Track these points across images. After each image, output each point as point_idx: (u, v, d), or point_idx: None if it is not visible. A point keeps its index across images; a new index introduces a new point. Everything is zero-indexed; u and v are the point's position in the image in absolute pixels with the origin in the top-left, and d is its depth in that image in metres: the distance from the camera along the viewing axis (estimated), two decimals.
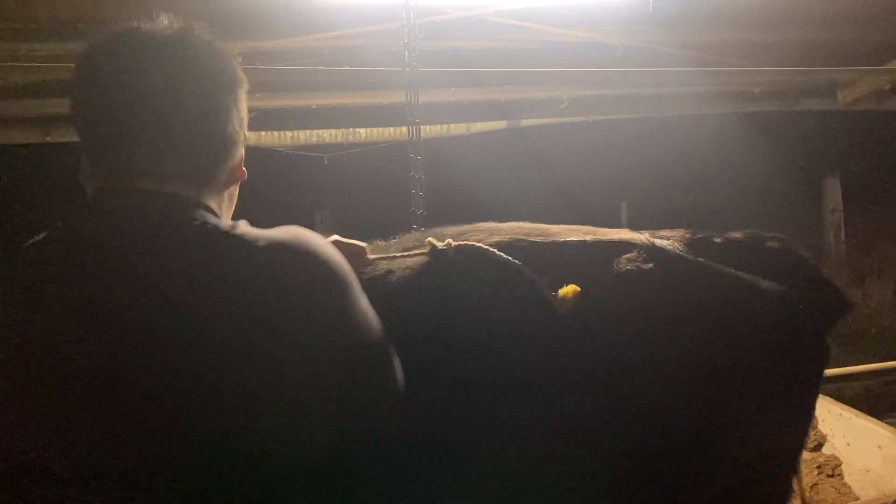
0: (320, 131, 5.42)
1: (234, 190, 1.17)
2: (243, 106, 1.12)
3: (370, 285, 1.27)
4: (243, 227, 1.03)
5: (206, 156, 1.07)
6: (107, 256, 0.96)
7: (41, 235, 1.03)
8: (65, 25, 3.92)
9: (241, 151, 1.14)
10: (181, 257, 0.97)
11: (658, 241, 1.42)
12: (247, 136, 1.16)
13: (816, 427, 3.46)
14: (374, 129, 5.53)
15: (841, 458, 3.42)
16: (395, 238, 1.59)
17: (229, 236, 1.00)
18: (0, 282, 0.99)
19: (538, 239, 1.41)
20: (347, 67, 3.77)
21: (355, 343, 1.04)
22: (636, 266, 1.34)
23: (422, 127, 2.80)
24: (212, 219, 1.04)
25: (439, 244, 1.37)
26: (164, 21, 1.07)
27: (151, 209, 1.01)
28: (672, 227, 1.54)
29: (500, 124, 5.92)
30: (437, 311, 1.32)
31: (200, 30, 1.08)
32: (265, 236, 1.02)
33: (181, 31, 1.07)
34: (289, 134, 5.36)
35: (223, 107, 1.07)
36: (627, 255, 1.36)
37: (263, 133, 5.25)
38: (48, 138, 5.34)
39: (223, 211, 1.13)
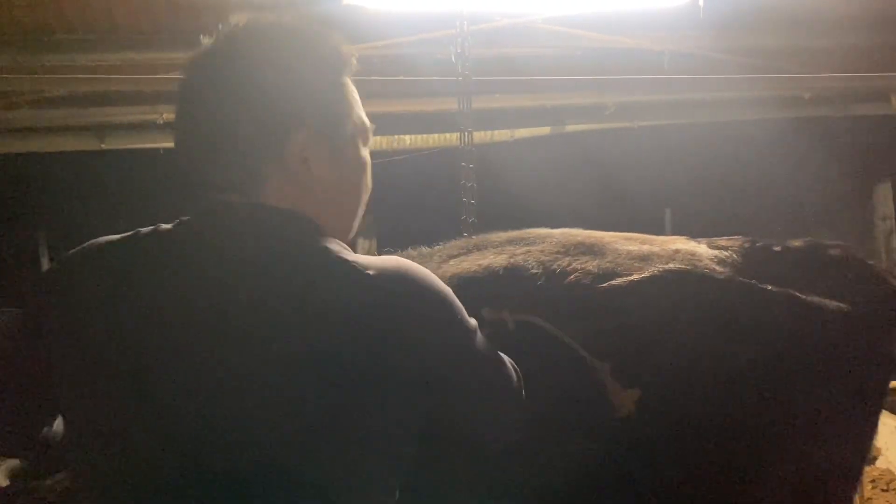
0: None
1: (349, 201, 1.09)
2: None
3: None
4: (350, 253, 0.98)
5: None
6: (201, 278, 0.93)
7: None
8: (122, 36, 4.03)
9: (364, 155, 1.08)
10: (276, 281, 0.92)
11: (716, 254, 1.41)
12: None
13: None
14: (419, 136, 5.56)
15: (895, 473, 3.36)
16: (439, 245, 1.57)
17: (333, 260, 0.95)
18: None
19: (599, 278, 1.34)
20: (401, 77, 3.80)
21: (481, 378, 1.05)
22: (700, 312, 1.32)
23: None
24: (311, 236, 0.98)
25: (495, 315, 1.28)
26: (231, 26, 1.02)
27: (246, 225, 0.96)
28: (717, 234, 1.52)
29: (545, 130, 5.92)
30: None
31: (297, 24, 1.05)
32: (375, 264, 0.96)
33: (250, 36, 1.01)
34: None
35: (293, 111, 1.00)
36: (689, 291, 1.33)
37: None
38: (102, 145, 5.48)
39: (337, 223, 1.07)
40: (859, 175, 6.94)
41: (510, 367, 1.11)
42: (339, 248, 0.98)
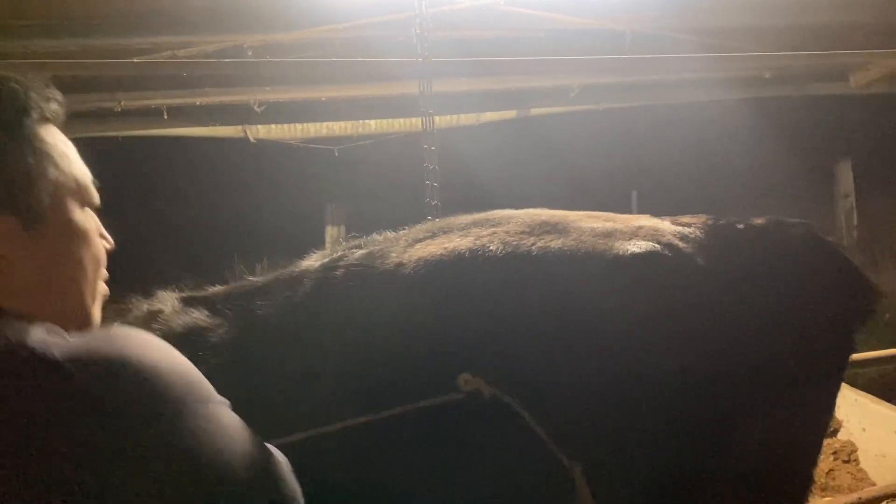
0: (330, 124, 5.42)
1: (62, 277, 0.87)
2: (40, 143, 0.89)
3: None
4: (36, 337, 0.76)
5: None
6: None
7: None
8: (77, 22, 3.93)
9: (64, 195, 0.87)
10: None
11: (679, 230, 1.41)
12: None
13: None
14: (384, 121, 5.52)
15: (857, 444, 3.42)
16: (405, 229, 1.55)
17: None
18: None
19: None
20: (360, 59, 3.76)
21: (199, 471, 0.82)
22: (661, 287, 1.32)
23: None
24: None
25: (473, 384, 1.24)
26: None
27: None
28: (682, 214, 1.52)
29: (510, 114, 5.90)
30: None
31: None
32: (65, 347, 0.76)
33: None
34: (299, 127, 5.36)
35: None
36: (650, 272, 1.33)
37: (273, 126, 5.25)
38: None
39: (52, 305, 0.85)
40: (820, 154, 7.04)
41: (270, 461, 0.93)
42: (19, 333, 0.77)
